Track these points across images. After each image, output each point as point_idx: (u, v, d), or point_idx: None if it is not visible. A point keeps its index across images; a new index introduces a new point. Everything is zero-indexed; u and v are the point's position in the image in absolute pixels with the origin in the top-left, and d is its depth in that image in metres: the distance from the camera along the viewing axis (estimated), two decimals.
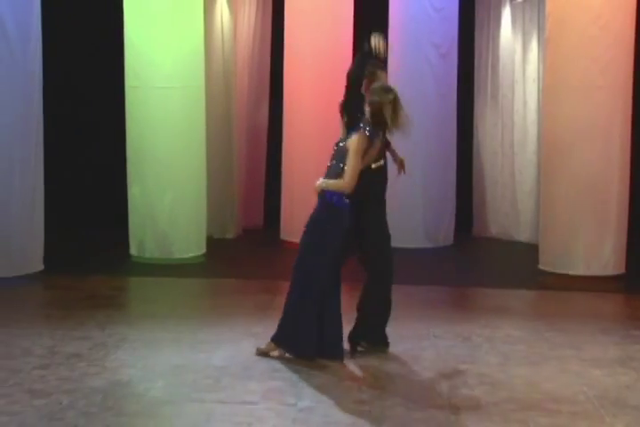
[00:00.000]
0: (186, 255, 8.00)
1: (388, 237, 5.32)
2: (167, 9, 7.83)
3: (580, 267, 7.47)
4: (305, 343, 4.94)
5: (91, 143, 9.72)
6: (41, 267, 7.38)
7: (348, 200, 4.99)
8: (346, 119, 5.13)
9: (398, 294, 7.07)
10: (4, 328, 5.60)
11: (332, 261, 4.97)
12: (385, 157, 5.35)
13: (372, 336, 5.28)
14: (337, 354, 4.96)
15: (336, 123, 8.88)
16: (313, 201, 9.58)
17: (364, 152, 4.99)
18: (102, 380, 4.58)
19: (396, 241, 9.18)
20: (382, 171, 5.28)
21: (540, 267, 7.73)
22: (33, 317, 6.14)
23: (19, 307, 6.32)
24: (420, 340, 5.52)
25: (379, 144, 5.15)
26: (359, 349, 5.19)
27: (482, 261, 8.82)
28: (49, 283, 7.17)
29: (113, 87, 8.39)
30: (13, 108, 7.10)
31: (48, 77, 7.57)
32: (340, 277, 5.11)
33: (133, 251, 8.12)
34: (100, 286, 7.02)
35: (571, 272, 7.49)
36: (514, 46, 9.58)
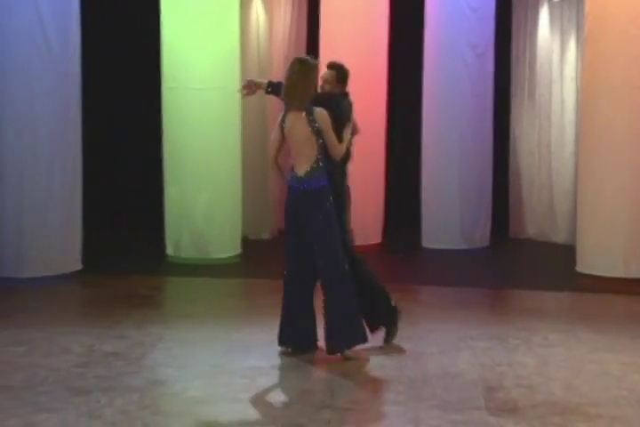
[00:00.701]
0: (221, 256, 8.04)
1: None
2: (203, 10, 7.88)
3: (618, 269, 7.36)
4: (362, 330, 5.02)
5: (128, 144, 9.82)
6: (79, 266, 7.47)
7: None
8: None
9: (434, 295, 7.07)
10: (44, 326, 5.67)
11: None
12: None
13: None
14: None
15: (370, 124, 8.94)
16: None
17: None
18: (139, 379, 4.61)
19: (433, 242, 9.26)
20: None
21: (578, 269, 7.63)
22: (71, 315, 6.22)
23: (58, 306, 6.41)
24: (456, 341, 5.48)
25: None
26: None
27: (518, 263, 8.75)
28: (87, 282, 7.26)
29: (150, 88, 8.47)
30: (53, 108, 7.19)
31: (86, 78, 7.66)
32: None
33: (170, 251, 8.18)
34: (137, 286, 7.09)
35: (609, 274, 7.38)
36: (551, 46, 9.49)
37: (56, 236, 7.23)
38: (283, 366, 4.88)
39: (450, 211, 9.00)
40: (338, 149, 5.10)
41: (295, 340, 5.10)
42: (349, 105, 5.46)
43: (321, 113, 5.01)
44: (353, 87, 9.48)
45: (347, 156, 5.35)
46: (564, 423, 4.08)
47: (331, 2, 8.93)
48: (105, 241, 8.86)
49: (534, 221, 9.68)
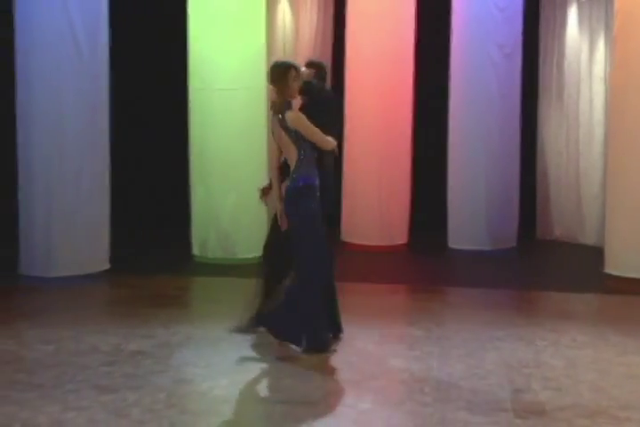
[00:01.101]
0: (248, 256, 8.05)
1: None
2: (230, 11, 7.91)
3: None
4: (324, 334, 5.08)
5: (155, 145, 9.88)
6: (107, 266, 7.53)
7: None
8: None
9: (461, 296, 7.04)
10: (73, 325, 5.72)
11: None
12: None
13: None
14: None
15: (396, 125, 8.94)
16: (374, 202, 9.57)
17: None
18: (166, 378, 4.64)
19: (459, 243, 9.22)
20: None
21: (606, 270, 7.55)
22: (99, 315, 6.27)
23: (85, 305, 6.46)
24: (483, 343, 5.45)
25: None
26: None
27: (545, 264, 8.68)
28: (114, 282, 7.31)
29: (177, 89, 8.52)
30: (81, 110, 7.25)
31: (113, 79, 7.71)
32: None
33: (196, 251, 8.22)
34: (164, 286, 7.13)
35: (637, 276, 7.29)
36: (580, 45, 9.41)
37: (84, 236, 7.29)
38: (309, 367, 4.88)
39: (476, 211, 8.96)
40: (325, 145, 5.10)
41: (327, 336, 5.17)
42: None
43: (291, 115, 5.04)
44: (380, 87, 9.51)
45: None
46: (593, 426, 4.05)
47: (357, 2, 8.93)
48: (132, 241, 8.92)
49: (562, 222, 9.60)
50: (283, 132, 5.08)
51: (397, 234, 9.07)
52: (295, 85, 5.10)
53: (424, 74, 9.19)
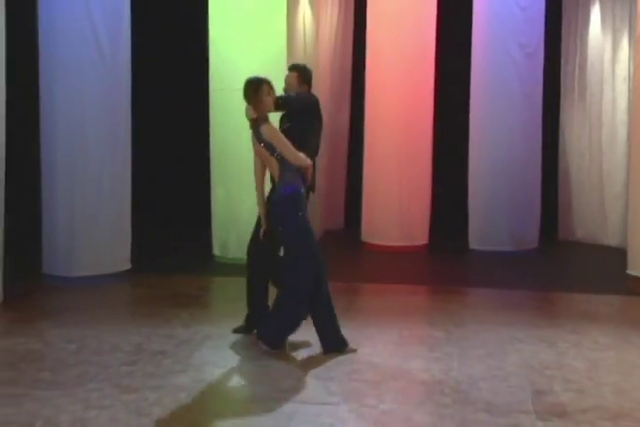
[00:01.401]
0: None
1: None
2: (251, 12, 7.92)
3: None
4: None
5: (176, 145, 9.93)
6: (128, 266, 7.58)
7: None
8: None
9: (481, 297, 7.01)
10: (94, 324, 5.77)
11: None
12: None
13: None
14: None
15: (416, 125, 8.92)
16: (394, 202, 9.54)
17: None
18: (187, 377, 4.66)
19: (480, 243, 9.18)
20: None
21: (629, 272, 7.49)
22: (120, 314, 6.31)
23: (107, 304, 6.51)
24: (504, 344, 5.42)
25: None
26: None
27: (567, 266, 8.62)
28: (135, 281, 7.35)
29: (198, 90, 8.55)
30: (103, 112, 7.30)
31: (134, 79, 7.75)
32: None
33: (216, 251, 8.24)
34: (185, 286, 7.16)
35: None
36: (603, 45, 9.34)
37: (106, 236, 7.34)
38: (328, 368, 4.88)
39: (497, 212, 8.92)
40: (297, 161, 5.09)
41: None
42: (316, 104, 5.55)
43: (265, 128, 5.09)
44: (400, 87, 9.48)
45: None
46: None
47: (377, 2, 8.92)
48: (153, 241, 8.96)
49: (584, 223, 9.53)
50: (262, 147, 5.14)
51: (418, 234, 9.05)
52: (269, 100, 5.17)
53: (445, 73, 9.16)
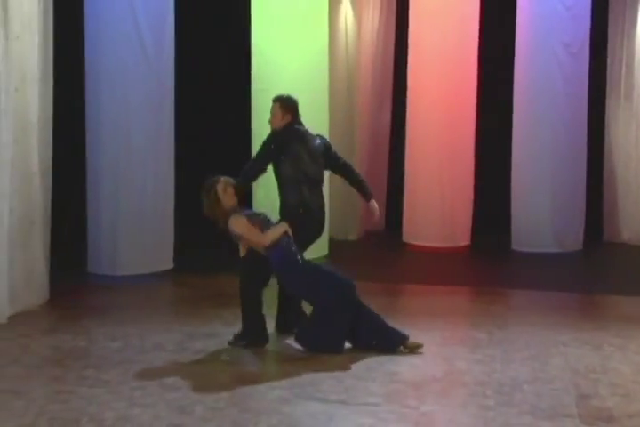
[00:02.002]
0: (308, 256, 8.07)
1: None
2: (293, 12, 7.95)
3: None
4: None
5: (219, 145, 9.99)
6: (171, 265, 7.66)
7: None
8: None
9: (524, 299, 6.93)
10: (138, 323, 5.83)
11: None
12: None
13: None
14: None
15: (458, 124, 8.85)
16: (436, 201, 9.46)
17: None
18: (228, 376, 4.68)
19: (523, 245, 9.07)
20: None
21: None
22: (163, 313, 6.37)
23: (150, 303, 6.58)
24: (548, 347, 5.36)
25: None
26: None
27: (613, 268, 8.49)
28: (178, 281, 7.42)
29: (240, 90, 8.59)
30: (147, 113, 7.39)
31: (177, 79, 7.83)
32: None
33: None
34: (226, 285, 7.18)
35: None
36: None
37: (149, 236, 7.43)
38: (369, 368, 4.87)
39: (541, 212, 8.82)
40: (267, 242, 5.14)
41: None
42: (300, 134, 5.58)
43: (232, 221, 5.16)
44: (442, 86, 9.43)
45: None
46: None
47: (420, 1, 8.87)
48: (195, 241, 9.03)
49: (630, 225, 9.37)
50: (236, 239, 5.25)
51: (460, 235, 8.98)
52: (226, 196, 5.29)
53: (488, 72, 9.08)
